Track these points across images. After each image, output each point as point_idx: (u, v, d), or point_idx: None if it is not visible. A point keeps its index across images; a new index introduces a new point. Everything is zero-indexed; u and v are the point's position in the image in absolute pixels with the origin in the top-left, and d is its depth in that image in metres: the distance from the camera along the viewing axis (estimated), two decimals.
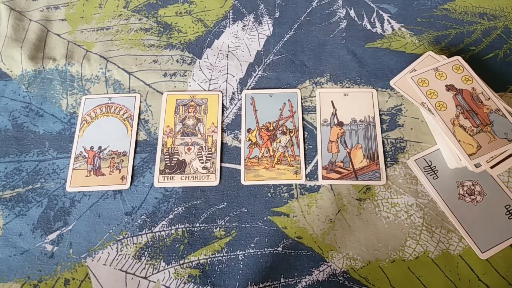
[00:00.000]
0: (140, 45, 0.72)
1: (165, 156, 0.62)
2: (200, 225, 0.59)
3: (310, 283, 0.55)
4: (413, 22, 0.73)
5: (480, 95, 0.60)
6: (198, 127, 0.65)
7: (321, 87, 0.68)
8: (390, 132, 0.64)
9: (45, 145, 0.64)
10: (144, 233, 0.58)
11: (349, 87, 0.67)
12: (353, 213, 0.59)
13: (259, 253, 0.57)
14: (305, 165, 0.62)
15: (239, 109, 0.66)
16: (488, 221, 0.57)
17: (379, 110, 0.65)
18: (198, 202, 0.60)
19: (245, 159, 0.62)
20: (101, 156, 0.62)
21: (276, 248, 0.57)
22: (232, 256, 0.57)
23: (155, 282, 0.56)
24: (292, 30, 0.73)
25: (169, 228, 0.58)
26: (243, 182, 0.61)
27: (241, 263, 0.56)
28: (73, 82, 0.69)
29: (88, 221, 0.59)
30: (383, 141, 0.63)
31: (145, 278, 0.56)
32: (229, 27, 0.74)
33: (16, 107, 0.67)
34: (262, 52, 0.71)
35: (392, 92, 0.66)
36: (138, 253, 0.57)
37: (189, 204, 0.60)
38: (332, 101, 0.66)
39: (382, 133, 0.64)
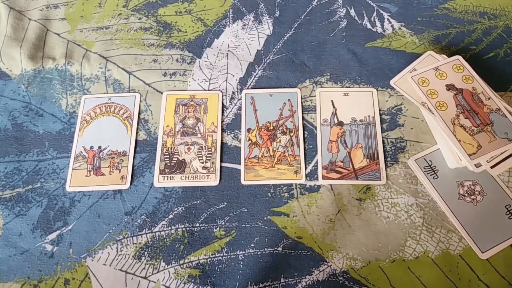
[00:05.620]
0: (139, 44, 0.72)
1: (165, 156, 0.62)
2: (200, 225, 0.59)
3: (310, 283, 0.55)
4: (414, 21, 0.73)
5: (480, 94, 0.60)
6: (198, 127, 0.65)
7: (321, 87, 0.67)
8: (390, 132, 0.64)
9: (45, 145, 0.64)
10: (144, 233, 0.58)
11: (349, 87, 0.67)
12: (353, 213, 0.59)
13: (259, 253, 0.57)
14: (305, 165, 0.62)
15: (239, 108, 0.66)
16: (488, 221, 0.57)
17: (379, 110, 0.65)
18: (198, 202, 0.60)
19: (245, 159, 0.62)
20: (101, 156, 0.62)
21: (276, 248, 0.57)
22: (232, 256, 0.57)
23: (155, 282, 0.56)
24: (292, 30, 0.73)
25: (169, 228, 0.58)
26: (243, 182, 0.61)
27: (241, 263, 0.56)
28: (72, 82, 0.69)
29: (88, 221, 0.59)
30: (383, 140, 0.63)
31: (145, 278, 0.56)
32: (229, 26, 0.74)
33: (15, 107, 0.67)
34: (262, 52, 0.71)
35: (392, 92, 0.66)
36: (138, 253, 0.57)
37: (189, 204, 0.60)
38: (332, 101, 0.66)
39: (382, 132, 0.63)
